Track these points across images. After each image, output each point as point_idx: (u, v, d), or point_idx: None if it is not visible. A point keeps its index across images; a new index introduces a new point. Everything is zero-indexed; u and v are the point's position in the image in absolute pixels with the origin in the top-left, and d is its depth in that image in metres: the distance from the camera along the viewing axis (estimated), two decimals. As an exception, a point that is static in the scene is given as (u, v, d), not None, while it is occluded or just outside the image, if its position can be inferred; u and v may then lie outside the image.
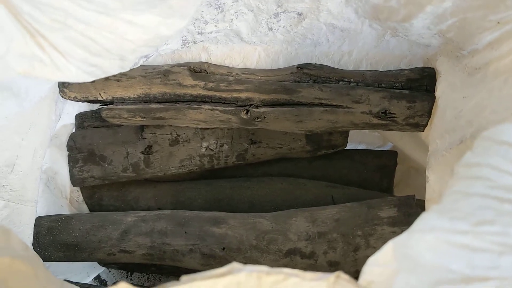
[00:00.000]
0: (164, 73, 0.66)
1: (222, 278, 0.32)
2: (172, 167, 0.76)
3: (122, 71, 0.45)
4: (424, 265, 0.27)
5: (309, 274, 0.30)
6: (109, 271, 0.91)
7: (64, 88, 0.69)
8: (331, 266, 0.63)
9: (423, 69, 0.65)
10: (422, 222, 0.29)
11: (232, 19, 0.57)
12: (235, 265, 0.32)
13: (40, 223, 0.71)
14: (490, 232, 0.25)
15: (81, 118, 0.80)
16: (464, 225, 0.26)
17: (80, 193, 0.82)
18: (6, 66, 0.34)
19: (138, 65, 0.51)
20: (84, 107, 0.81)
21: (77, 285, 0.51)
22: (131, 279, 0.89)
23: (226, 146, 0.75)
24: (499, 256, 0.24)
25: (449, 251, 0.26)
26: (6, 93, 0.54)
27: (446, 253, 0.26)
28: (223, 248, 0.65)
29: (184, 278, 0.33)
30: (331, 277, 0.29)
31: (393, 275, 0.28)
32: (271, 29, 0.60)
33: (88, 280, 0.87)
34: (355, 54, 0.67)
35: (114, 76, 0.66)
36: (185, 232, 0.66)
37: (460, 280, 0.24)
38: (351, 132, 0.80)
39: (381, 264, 0.29)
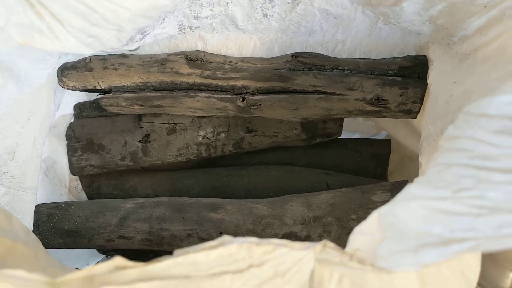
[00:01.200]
0: (161, 61, 0.67)
1: (214, 250, 0.33)
2: (169, 155, 0.77)
3: (119, 44, 0.46)
4: (407, 232, 0.28)
5: (297, 244, 0.31)
6: (108, 258, 0.92)
7: (62, 77, 0.70)
8: (325, 250, 0.64)
9: (416, 57, 0.66)
10: (405, 192, 0.30)
11: (227, 3, 0.58)
12: (226, 237, 0.33)
13: (40, 210, 0.73)
14: (468, 196, 0.26)
15: (79, 108, 0.81)
16: (445, 192, 0.27)
17: (79, 181, 0.83)
18: (7, 37, 0.35)
19: (135, 41, 0.51)
20: (82, 97, 0.82)
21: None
22: (130, 268, 0.90)
23: (222, 135, 0.76)
24: (476, 218, 0.25)
25: (431, 216, 0.27)
26: (7, 74, 0.54)
27: (428, 219, 0.27)
28: (220, 233, 0.66)
29: (177, 251, 0.34)
30: (318, 245, 0.30)
31: (378, 242, 0.29)
32: (266, 15, 0.61)
33: (87, 268, 0.89)
34: (349, 43, 0.68)
35: (112, 64, 0.67)
36: (183, 218, 0.68)
37: (440, 243, 0.26)
38: (345, 121, 0.81)
39: (366, 233, 0.30)
